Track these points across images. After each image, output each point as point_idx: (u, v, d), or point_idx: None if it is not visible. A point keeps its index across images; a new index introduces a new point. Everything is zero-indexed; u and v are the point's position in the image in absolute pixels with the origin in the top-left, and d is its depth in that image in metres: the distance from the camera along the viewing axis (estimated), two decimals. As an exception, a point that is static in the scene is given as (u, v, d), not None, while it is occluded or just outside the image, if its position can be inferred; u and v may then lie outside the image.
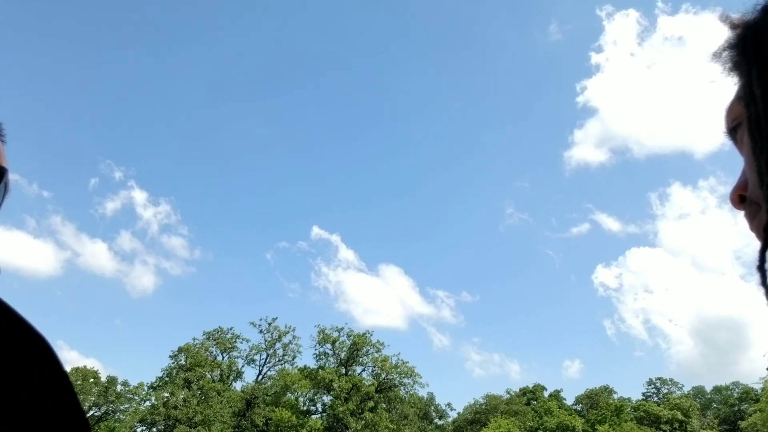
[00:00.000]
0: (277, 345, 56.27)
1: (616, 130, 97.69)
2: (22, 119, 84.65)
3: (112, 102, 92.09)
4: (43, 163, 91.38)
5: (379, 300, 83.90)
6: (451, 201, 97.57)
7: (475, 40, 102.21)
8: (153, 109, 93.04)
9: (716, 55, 0.75)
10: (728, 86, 0.73)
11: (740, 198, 0.69)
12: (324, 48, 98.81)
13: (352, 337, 54.73)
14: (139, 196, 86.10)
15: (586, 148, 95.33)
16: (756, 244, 0.64)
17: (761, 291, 0.63)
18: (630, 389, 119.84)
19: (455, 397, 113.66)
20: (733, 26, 0.73)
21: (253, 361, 56.43)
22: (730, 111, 0.72)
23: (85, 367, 53.59)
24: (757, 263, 0.64)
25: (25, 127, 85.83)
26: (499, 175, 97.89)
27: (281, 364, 56.31)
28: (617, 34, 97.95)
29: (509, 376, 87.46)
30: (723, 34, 0.74)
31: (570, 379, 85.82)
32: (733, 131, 0.72)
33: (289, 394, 53.64)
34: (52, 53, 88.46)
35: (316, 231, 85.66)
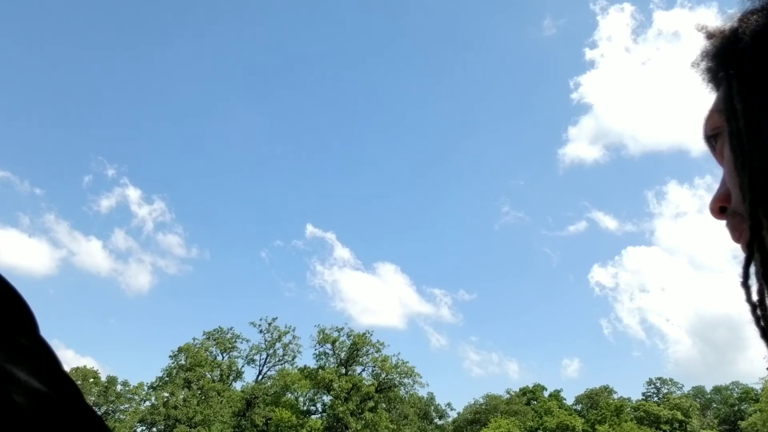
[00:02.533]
0: (277, 345, 56.33)
1: (610, 126, 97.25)
2: (13, 115, 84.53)
3: (104, 98, 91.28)
4: (34, 160, 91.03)
5: (376, 299, 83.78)
6: (446, 199, 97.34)
7: (470, 37, 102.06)
8: (145, 106, 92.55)
9: (695, 65, 0.74)
10: (707, 95, 0.72)
11: (721, 209, 0.68)
12: (317, 45, 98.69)
13: (352, 337, 54.76)
14: (132, 193, 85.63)
15: (580, 145, 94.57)
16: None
17: (747, 306, 0.62)
18: (629, 388, 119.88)
19: (453, 396, 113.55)
20: (710, 35, 0.71)
21: (253, 361, 56.49)
22: (709, 120, 0.71)
23: (85, 367, 53.65)
24: (741, 279, 0.63)
25: (15, 123, 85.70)
26: (494, 173, 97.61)
27: (281, 364, 56.37)
28: (612, 30, 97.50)
29: (508, 375, 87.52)
30: (700, 44, 0.73)
31: (569, 378, 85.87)
32: (711, 139, 0.71)
33: (289, 394, 53.67)
34: (43, 50, 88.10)
35: (310, 229, 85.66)
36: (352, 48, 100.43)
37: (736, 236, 0.66)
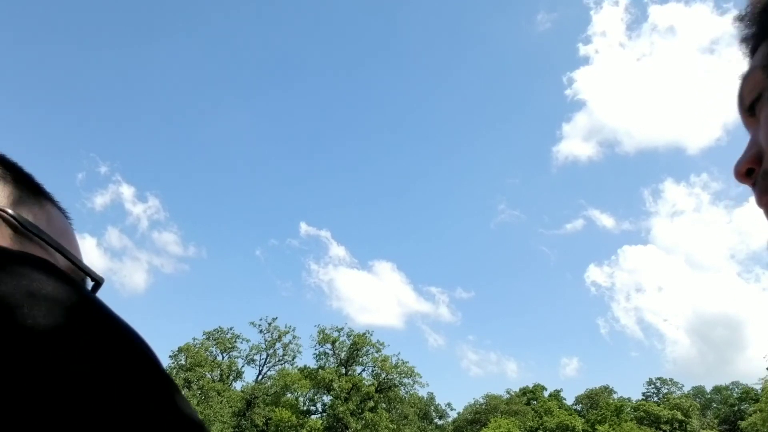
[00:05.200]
0: (277, 345, 56.36)
1: (604, 123, 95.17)
2: (2, 111, 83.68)
3: (96, 94, 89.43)
4: (26, 156, 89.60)
5: (373, 297, 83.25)
6: (441, 197, 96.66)
7: (463, 33, 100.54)
8: (138, 102, 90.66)
9: (739, 19, 0.68)
10: (740, 58, 0.67)
11: (748, 171, 0.63)
12: (312, 45, 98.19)
13: (352, 337, 54.80)
14: (126, 191, 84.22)
15: (574, 142, 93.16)
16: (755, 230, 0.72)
17: None
18: (628, 388, 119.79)
19: (452, 396, 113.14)
20: None
21: (253, 361, 56.52)
22: (749, 79, 0.64)
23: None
24: None
25: (5, 120, 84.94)
26: (489, 171, 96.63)
27: (281, 364, 56.40)
28: (606, 25, 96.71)
29: (506, 374, 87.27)
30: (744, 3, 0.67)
31: (567, 377, 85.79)
32: (749, 107, 0.64)
33: (289, 394, 53.68)
34: (33, 46, 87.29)
35: (304, 228, 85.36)
36: (344, 47, 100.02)
37: (765, 200, 0.62)
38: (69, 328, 0.42)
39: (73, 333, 0.42)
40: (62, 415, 0.39)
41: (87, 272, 0.67)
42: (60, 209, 0.73)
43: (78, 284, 0.50)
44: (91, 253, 78.22)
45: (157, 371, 0.48)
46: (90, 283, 0.68)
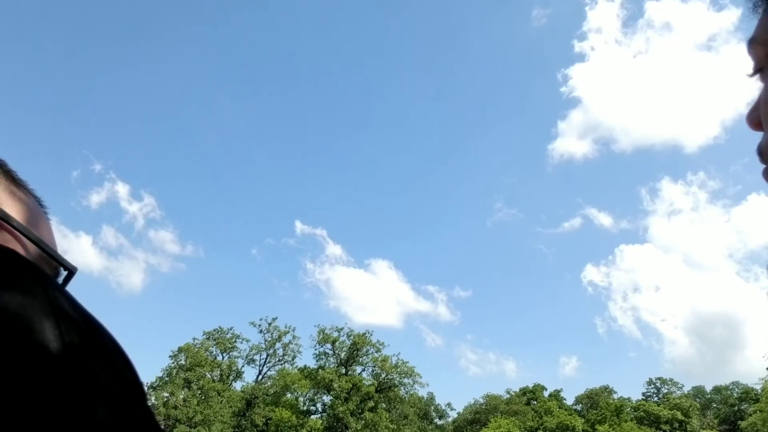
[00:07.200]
0: (277, 345, 56.34)
1: (600, 120, 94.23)
2: None
3: (89, 92, 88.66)
4: (19, 154, 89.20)
5: (371, 296, 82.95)
6: (437, 195, 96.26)
7: (458, 31, 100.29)
8: (132, 101, 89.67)
9: None
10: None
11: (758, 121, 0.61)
12: (309, 45, 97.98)
13: (352, 337, 54.79)
14: (121, 189, 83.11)
15: (569, 140, 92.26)
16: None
17: None
18: (628, 388, 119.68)
19: (451, 395, 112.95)
20: None
21: (253, 361, 56.50)
22: (752, 51, 0.61)
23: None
24: None
25: None
26: (485, 169, 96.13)
27: (281, 364, 56.37)
28: (601, 21, 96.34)
29: (505, 374, 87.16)
30: None
31: (566, 377, 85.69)
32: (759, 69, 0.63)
33: (289, 394, 53.69)
34: (28, 44, 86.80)
35: (299, 226, 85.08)
36: (339, 46, 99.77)
37: None
38: (29, 330, 0.38)
39: (30, 337, 0.37)
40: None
41: (60, 261, 0.65)
42: (34, 196, 0.69)
43: (45, 277, 0.46)
44: (87, 251, 77.90)
45: (124, 381, 0.43)
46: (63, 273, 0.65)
